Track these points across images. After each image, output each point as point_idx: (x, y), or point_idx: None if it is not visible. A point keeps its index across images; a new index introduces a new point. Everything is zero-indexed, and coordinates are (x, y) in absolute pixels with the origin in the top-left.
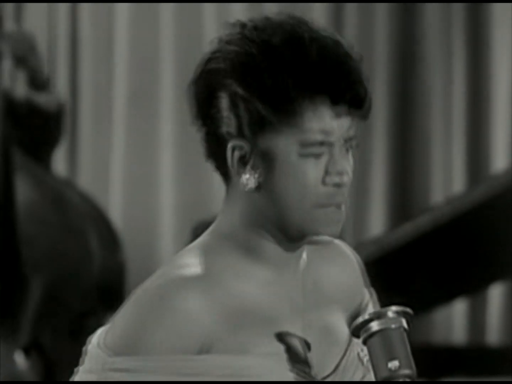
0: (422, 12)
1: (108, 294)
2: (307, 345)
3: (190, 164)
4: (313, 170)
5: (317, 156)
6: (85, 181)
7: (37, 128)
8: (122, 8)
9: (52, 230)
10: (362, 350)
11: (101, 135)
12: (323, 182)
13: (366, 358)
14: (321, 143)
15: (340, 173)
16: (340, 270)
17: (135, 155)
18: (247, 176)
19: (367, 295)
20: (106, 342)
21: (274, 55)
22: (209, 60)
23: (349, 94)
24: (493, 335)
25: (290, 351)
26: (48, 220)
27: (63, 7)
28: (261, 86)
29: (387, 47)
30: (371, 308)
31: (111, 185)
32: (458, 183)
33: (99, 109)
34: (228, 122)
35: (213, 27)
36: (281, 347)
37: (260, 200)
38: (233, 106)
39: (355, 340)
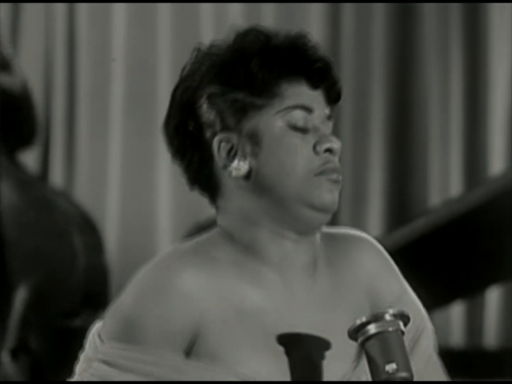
0: (420, 14)
1: (93, 296)
2: (314, 350)
3: None
4: (301, 141)
5: (304, 130)
6: (82, 186)
7: (5, 113)
8: (120, 12)
9: (37, 233)
10: None
11: (98, 139)
12: (314, 151)
13: None
14: (305, 119)
15: (330, 140)
16: (361, 263)
17: (132, 159)
18: (238, 163)
19: (397, 288)
20: (104, 330)
21: (242, 50)
22: (177, 87)
23: (322, 76)
24: (491, 338)
25: (283, 359)
26: (32, 223)
27: (61, 10)
28: (235, 76)
29: (384, 49)
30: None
31: (108, 189)
32: (455, 186)
33: (96, 113)
34: (210, 123)
35: (210, 31)
36: (272, 356)
37: (255, 189)
38: (213, 105)
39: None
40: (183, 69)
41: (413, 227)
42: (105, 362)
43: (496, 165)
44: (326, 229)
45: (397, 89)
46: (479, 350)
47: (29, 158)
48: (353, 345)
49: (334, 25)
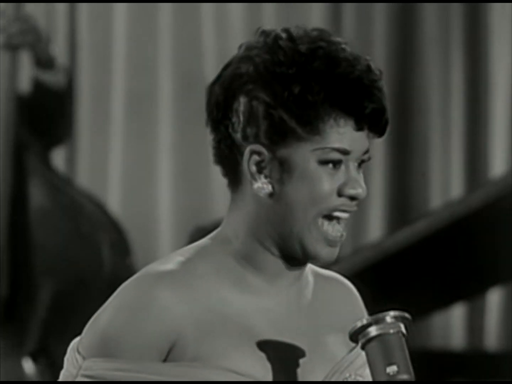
0: (420, 14)
1: None
2: (292, 363)
3: (188, 168)
4: (329, 179)
5: (334, 169)
6: (83, 185)
7: (47, 109)
8: (120, 13)
9: (63, 236)
10: (350, 375)
11: (99, 138)
12: (339, 193)
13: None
14: (339, 160)
15: (358, 187)
16: (343, 303)
17: (133, 159)
18: (263, 181)
19: None
20: (82, 345)
21: (302, 64)
22: (231, 64)
23: (372, 120)
24: (492, 340)
25: (261, 371)
26: (60, 226)
27: (61, 11)
28: (288, 94)
29: (385, 49)
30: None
31: (109, 188)
32: (456, 188)
33: (97, 113)
34: (245, 127)
35: (211, 31)
36: (255, 366)
37: (268, 209)
38: (253, 111)
39: (346, 364)
40: (246, 48)
41: (413, 229)
42: (88, 376)
43: (497, 167)
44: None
45: (397, 90)
46: (479, 352)
47: None
48: (336, 354)
49: (334, 25)
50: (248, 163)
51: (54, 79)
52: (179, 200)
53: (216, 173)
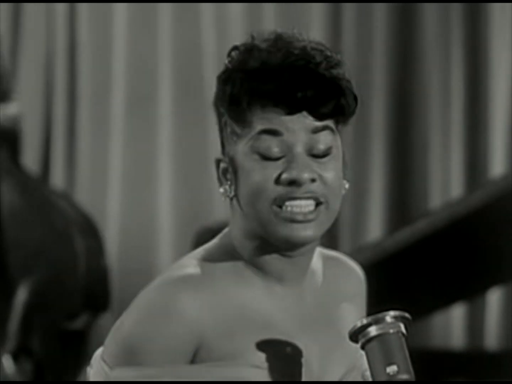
0: (420, 14)
1: (94, 298)
2: (307, 360)
3: (189, 169)
4: (265, 171)
5: (267, 157)
6: (83, 187)
7: None
8: (120, 13)
9: (38, 234)
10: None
11: (99, 140)
12: (276, 181)
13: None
14: (276, 151)
15: (290, 172)
16: (352, 285)
17: (133, 159)
18: (225, 186)
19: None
20: (107, 354)
21: (236, 66)
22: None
23: (304, 103)
24: (492, 339)
25: (285, 365)
26: (34, 224)
27: (62, 12)
28: (222, 94)
29: (385, 49)
30: None
31: (109, 190)
32: (456, 188)
33: (97, 114)
34: (221, 138)
35: (211, 31)
36: (274, 360)
37: (238, 212)
38: (220, 122)
39: (362, 358)
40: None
41: (413, 229)
42: None
43: (497, 167)
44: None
45: (397, 90)
46: (479, 352)
47: (30, 159)
48: (348, 361)
49: (334, 25)
50: (217, 173)
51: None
52: (179, 200)
53: (215, 171)
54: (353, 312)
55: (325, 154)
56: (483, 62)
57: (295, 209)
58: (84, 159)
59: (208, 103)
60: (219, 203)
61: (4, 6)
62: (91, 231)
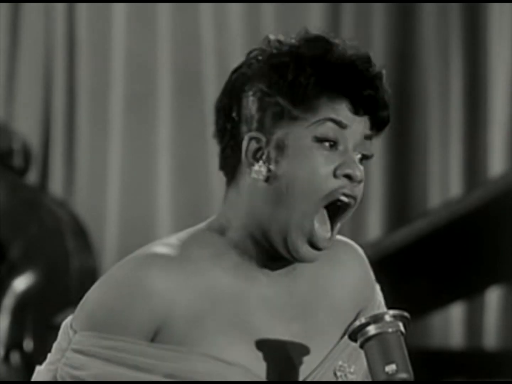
0: (420, 14)
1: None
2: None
3: (187, 169)
4: (324, 160)
5: (331, 150)
6: (83, 187)
7: None
8: (119, 12)
9: (30, 232)
10: (340, 368)
11: (98, 139)
12: (334, 174)
13: (341, 378)
14: (335, 140)
15: (353, 167)
16: (347, 272)
17: (132, 158)
18: (260, 165)
19: (374, 300)
20: (75, 321)
21: (297, 55)
22: (237, 69)
23: (368, 106)
24: (490, 339)
25: (248, 360)
26: (25, 222)
27: (60, 10)
28: (283, 80)
29: (384, 49)
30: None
31: (108, 191)
32: (455, 187)
33: (96, 113)
34: (249, 118)
35: (210, 30)
36: (242, 353)
37: (265, 197)
38: (257, 101)
39: (336, 355)
40: (249, 53)
41: (413, 228)
42: (78, 351)
43: (495, 166)
44: None
45: (397, 90)
46: (478, 351)
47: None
48: (331, 341)
49: (334, 25)
50: (247, 150)
51: None
52: (178, 198)
53: (215, 170)
54: (347, 302)
55: (364, 161)
56: (483, 62)
57: (322, 233)
58: (83, 157)
59: (207, 101)
60: (217, 199)
61: (3, 4)
62: (79, 231)
